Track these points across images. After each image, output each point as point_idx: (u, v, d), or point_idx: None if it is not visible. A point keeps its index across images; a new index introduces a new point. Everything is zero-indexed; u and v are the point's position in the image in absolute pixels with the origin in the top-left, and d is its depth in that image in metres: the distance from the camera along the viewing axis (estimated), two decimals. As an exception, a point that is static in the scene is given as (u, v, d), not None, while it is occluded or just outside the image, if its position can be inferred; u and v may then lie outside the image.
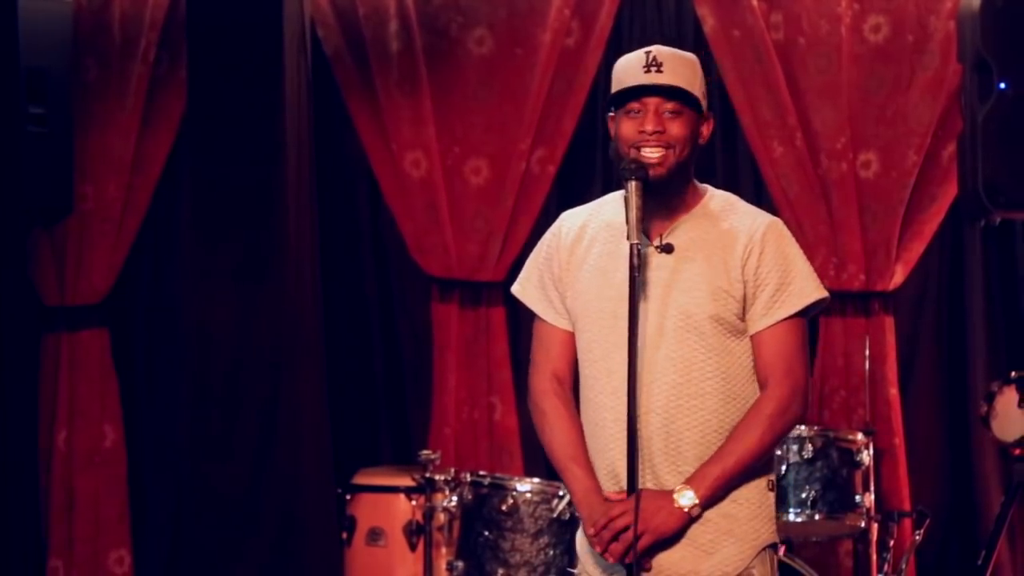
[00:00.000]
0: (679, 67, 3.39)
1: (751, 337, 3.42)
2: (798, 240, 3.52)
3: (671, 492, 3.34)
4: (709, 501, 3.35)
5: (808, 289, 3.44)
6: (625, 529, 3.31)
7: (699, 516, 3.35)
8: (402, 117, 6.13)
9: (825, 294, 3.47)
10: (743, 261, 3.40)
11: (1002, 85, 5.05)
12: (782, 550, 5.09)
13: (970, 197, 5.13)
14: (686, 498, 3.33)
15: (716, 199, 3.50)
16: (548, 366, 3.55)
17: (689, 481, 3.35)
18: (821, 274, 5.80)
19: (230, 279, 6.00)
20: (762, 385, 3.42)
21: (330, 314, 6.23)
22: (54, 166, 5.63)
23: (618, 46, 6.15)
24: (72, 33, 5.82)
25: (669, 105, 3.37)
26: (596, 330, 3.45)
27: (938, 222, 6.07)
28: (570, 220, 3.58)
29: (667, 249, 3.38)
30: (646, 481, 3.37)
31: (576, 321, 3.51)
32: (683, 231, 3.43)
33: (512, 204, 6.11)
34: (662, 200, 3.41)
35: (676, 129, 3.38)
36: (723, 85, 6.09)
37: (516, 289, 3.63)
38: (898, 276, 6.06)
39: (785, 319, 3.41)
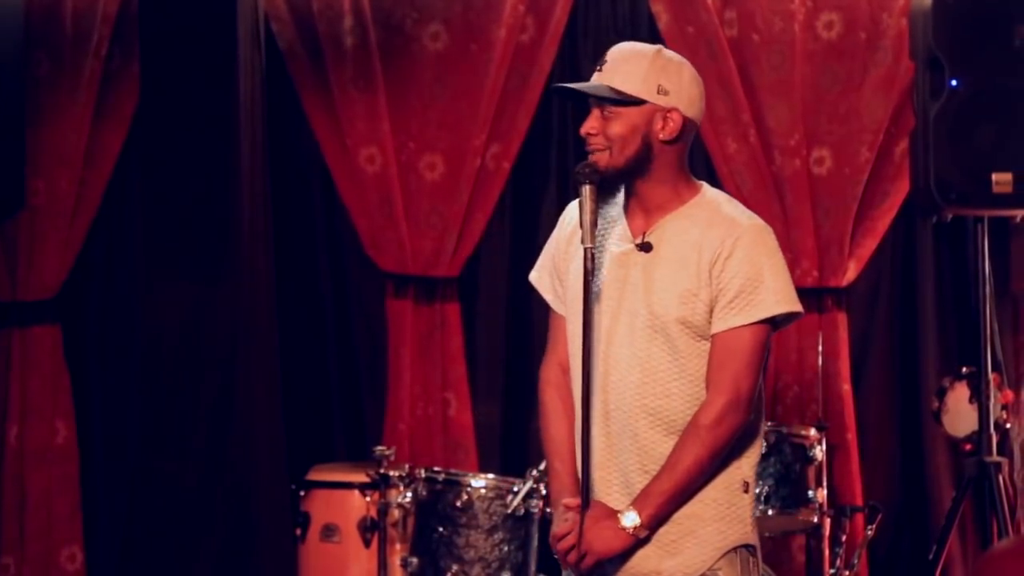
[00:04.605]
0: (622, 64, 3.35)
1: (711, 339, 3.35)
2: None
3: (618, 512, 3.33)
4: (655, 521, 3.32)
5: (770, 301, 3.34)
6: (571, 548, 3.33)
7: (648, 537, 3.33)
8: (356, 113, 6.11)
9: (794, 308, 3.37)
10: (711, 264, 3.32)
11: (954, 82, 5.07)
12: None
13: (922, 194, 5.15)
14: (629, 519, 3.31)
15: (706, 199, 3.43)
16: (554, 355, 3.55)
17: (635, 502, 3.33)
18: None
19: (183, 274, 5.97)
20: (707, 390, 3.34)
21: (284, 310, 6.20)
22: (5, 161, 5.58)
23: (573, 42, 6.16)
24: (23, 27, 5.76)
25: (607, 104, 3.35)
26: (577, 324, 3.40)
27: (891, 218, 6.10)
28: (571, 212, 3.54)
29: (645, 248, 3.36)
30: (613, 480, 3.37)
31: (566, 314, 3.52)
32: (664, 230, 3.37)
33: (467, 200, 6.10)
34: (638, 198, 3.38)
35: (612, 129, 3.34)
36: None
37: (533, 276, 3.62)
38: (851, 272, 6.09)
39: (740, 327, 3.33)
